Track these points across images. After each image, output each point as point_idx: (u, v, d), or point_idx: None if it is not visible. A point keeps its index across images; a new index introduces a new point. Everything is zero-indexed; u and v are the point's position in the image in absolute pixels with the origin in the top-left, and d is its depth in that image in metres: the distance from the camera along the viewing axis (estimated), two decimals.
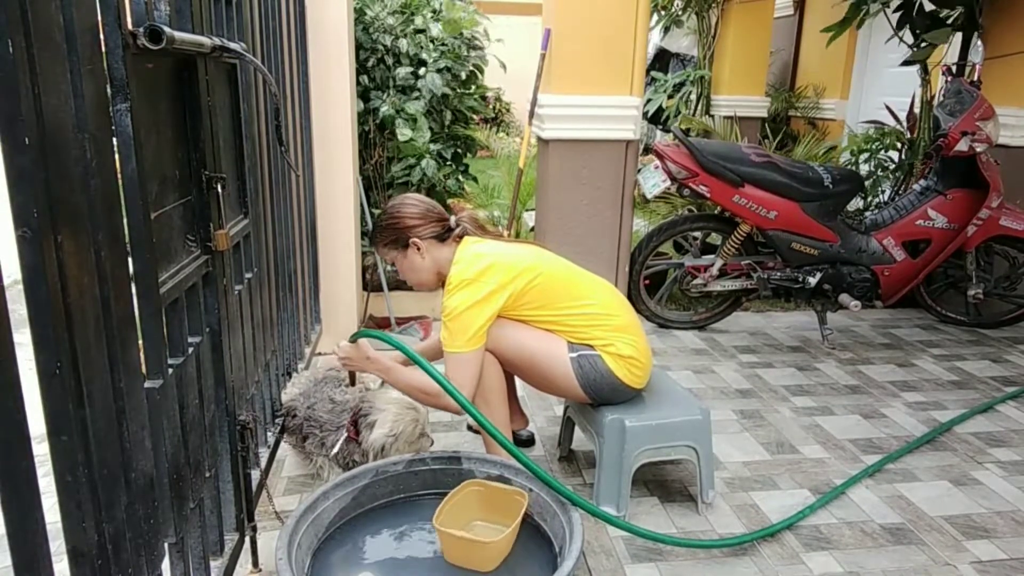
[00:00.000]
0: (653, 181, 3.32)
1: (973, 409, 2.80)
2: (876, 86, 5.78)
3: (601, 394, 2.04)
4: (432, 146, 3.56)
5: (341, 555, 1.69)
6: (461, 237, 2.06)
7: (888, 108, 4.47)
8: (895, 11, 3.87)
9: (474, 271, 1.92)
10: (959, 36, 3.83)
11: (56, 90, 0.85)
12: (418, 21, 3.60)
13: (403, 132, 3.50)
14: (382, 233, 2.06)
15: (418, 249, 2.03)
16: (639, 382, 2.06)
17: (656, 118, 6.62)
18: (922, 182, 3.54)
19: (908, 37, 3.91)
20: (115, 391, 1.02)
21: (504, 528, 1.66)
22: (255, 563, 1.69)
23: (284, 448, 2.24)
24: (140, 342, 1.13)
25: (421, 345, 2.39)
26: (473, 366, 1.93)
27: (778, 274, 3.41)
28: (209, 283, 1.42)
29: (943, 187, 3.40)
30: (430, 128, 3.64)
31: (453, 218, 2.08)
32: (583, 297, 2.04)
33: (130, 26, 1.06)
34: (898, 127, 4.31)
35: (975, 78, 3.73)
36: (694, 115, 6.08)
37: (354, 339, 2.08)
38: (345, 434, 2.09)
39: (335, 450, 2.09)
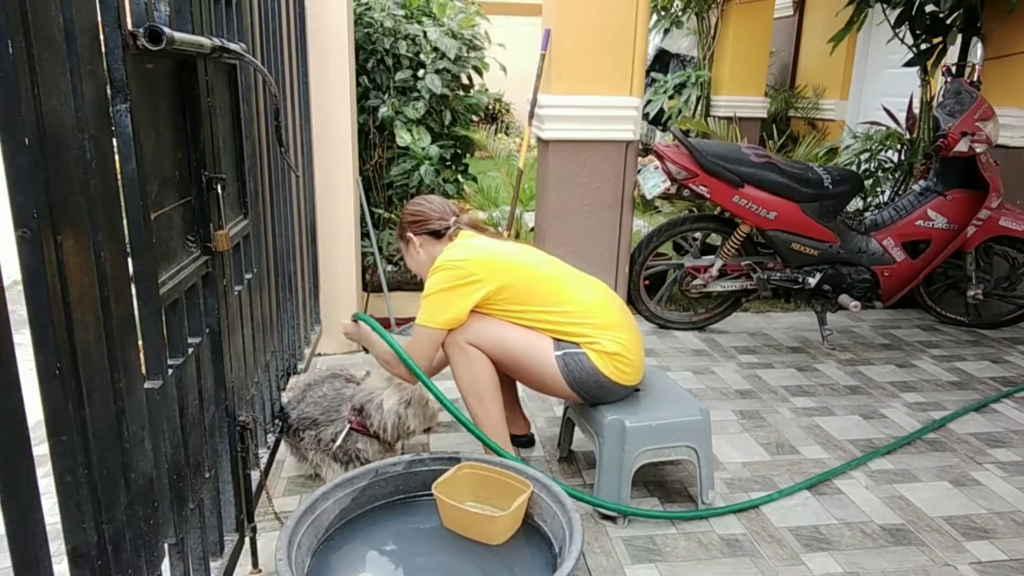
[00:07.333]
0: (653, 182, 3.32)
1: (966, 408, 2.81)
2: (876, 87, 5.78)
3: (589, 391, 2.04)
4: (432, 149, 3.55)
5: (341, 556, 1.69)
6: (456, 235, 2.18)
7: (886, 110, 4.47)
8: (894, 8, 3.87)
9: (455, 259, 2.03)
10: (958, 36, 3.83)
11: (56, 90, 0.85)
12: (415, 27, 3.60)
13: (402, 136, 3.51)
14: (397, 227, 2.31)
15: (414, 243, 2.20)
16: (628, 379, 2.05)
17: (657, 119, 6.63)
18: (922, 183, 3.54)
19: (908, 38, 3.91)
20: (115, 391, 1.02)
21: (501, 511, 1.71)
22: (255, 564, 1.70)
23: (284, 449, 2.24)
24: (140, 342, 1.13)
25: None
26: (431, 343, 2.06)
27: (778, 275, 3.41)
28: (209, 284, 1.42)
29: (943, 188, 3.40)
30: (429, 129, 3.64)
31: (453, 219, 2.18)
32: (567, 295, 2.06)
33: (130, 27, 1.06)
34: (897, 128, 4.31)
35: (975, 78, 3.73)
36: (694, 116, 6.08)
37: (355, 319, 2.28)
38: (347, 426, 2.09)
39: (337, 443, 2.08)
